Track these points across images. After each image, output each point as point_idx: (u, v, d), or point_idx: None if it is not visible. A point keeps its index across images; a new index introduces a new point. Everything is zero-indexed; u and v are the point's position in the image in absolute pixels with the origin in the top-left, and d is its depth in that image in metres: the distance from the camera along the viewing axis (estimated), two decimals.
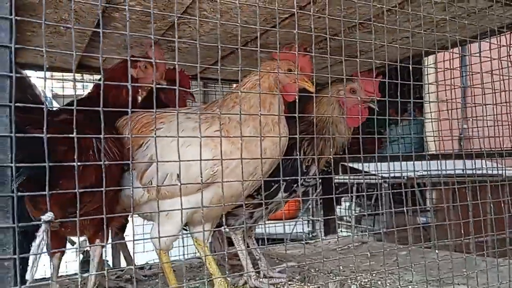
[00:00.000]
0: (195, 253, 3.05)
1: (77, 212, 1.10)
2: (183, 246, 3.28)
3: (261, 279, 2.15)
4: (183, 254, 3.23)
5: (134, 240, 1.50)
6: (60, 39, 2.06)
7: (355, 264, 2.34)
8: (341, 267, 2.35)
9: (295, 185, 2.14)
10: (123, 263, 2.75)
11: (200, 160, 1.46)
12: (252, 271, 2.14)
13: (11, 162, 0.87)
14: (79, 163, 1.12)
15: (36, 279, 1.43)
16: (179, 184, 1.31)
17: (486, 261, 2.23)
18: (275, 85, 1.91)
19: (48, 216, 0.90)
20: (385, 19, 1.85)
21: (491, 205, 2.14)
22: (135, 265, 2.35)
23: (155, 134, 1.92)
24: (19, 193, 0.87)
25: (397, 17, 1.88)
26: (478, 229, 2.17)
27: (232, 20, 1.88)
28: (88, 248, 2.62)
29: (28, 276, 0.91)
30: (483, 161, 2.35)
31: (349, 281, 2.06)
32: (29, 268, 0.92)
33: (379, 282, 2.12)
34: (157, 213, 1.91)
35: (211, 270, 1.93)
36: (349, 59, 1.82)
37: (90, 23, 1.86)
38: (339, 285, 2.04)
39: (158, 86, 1.83)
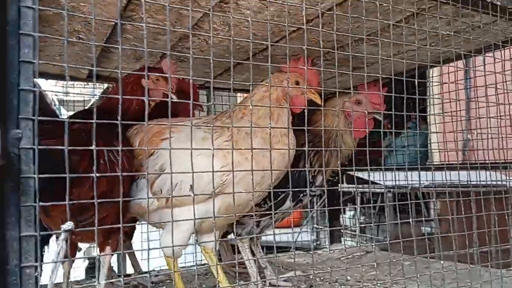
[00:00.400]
0: (200, 260, 3.08)
1: (95, 219, 1.13)
2: (184, 254, 3.30)
3: (267, 287, 2.17)
4: (184, 262, 3.25)
5: (145, 249, 1.52)
6: (72, 49, 2.11)
7: (360, 274, 2.36)
8: (347, 277, 2.37)
9: (302, 194, 2.18)
10: (128, 270, 2.78)
11: (212, 171, 1.48)
12: (259, 280, 2.16)
13: (34, 173, 0.91)
14: (97, 174, 1.15)
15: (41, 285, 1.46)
16: (192, 194, 1.33)
17: (490, 272, 2.25)
18: (283, 97, 1.95)
19: (68, 225, 0.93)
20: (391, 32, 1.88)
21: (495, 216, 2.16)
22: (148, 272, 2.39)
23: (165, 143, 1.98)
24: (41, 203, 0.91)
25: (403, 31, 1.92)
26: (482, 240, 2.19)
27: (242, 32, 1.93)
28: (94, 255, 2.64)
29: (49, 284, 0.94)
30: (487, 172, 2.37)
31: None
32: (49, 276, 0.96)
33: None
34: (165, 221, 1.96)
35: (219, 278, 1.96)
36: (356, 72, 1.86)
37: (102, 34, 1.91)
38: None
39: (172, 100, 1.87)
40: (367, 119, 2.10)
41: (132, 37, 1.96)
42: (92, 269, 3.75)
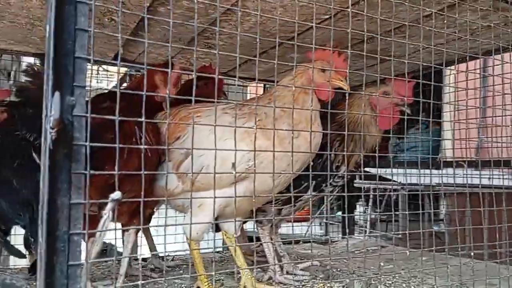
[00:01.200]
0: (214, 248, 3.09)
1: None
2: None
3: (285, 275, 2.18)
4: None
5: (162, 234, 1.53)
6: (102, 31, 2.11)
7: (377, 266, 2.36)
8: (365, 269, 2.37)
9: (324, 184, 2.18)
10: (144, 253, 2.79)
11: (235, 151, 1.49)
12: (277, 267, 2.17)
13: (86, 141, 0.91)
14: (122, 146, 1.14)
15: None
16: (234, 172, 1.34)
17: (508, 269, 2.24)
18: (308, 84, 1.95)
19: (117, 194, 0.94)
20: (421, 24, 1.87)
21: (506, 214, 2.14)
22: (165, 256, 2.40)
23: (193, 127, 1.98)
24: (91, 171, 0.92)
25: (434, 22, 1.91)
26: (493, 238, 2.18)
27: (273, 19, 1.92)
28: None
29: (92, 253, 0.95)
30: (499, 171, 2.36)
31: (373, 281, 2.08)
32: (94, 245, 0.96)
33: (403, 285, 2.14)
34: (190, 204, 1.97)
35: (239, 263, 1.97)
36: (383, 65, 1.85)
37: (135, 16, 1.91)
38: (364, 284, 2.06)
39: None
40: (392, 110, 2.10)
41: (164, 20, 1.95)
42: (103, 255, 3.77)
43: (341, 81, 1.92)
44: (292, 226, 3.20)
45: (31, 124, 1.74)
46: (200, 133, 1.84)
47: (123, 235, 1.99)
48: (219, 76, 2.48)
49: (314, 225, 4.04)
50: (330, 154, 2.15)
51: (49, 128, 0.85)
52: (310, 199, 2.25)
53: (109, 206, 0.93)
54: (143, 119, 1.08)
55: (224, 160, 1.75)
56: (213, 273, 1.49)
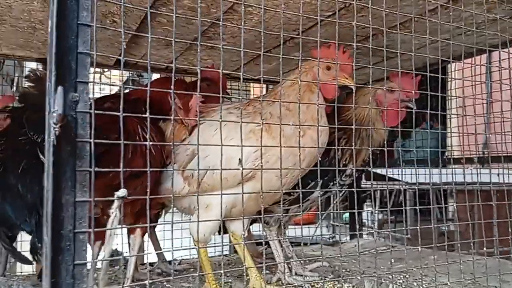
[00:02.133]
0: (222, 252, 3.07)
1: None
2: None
3: (294, 277, 2.15)
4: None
5: (169, 238, 1.49)
6: (105, 33, 2.10)
7: (387, 266, 2.32)
8: (374, 269, 2.33)
9: (331, 183, 2.15)
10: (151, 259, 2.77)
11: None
12: (286, 268, 2.14)
13: (90, 138, 0.90)
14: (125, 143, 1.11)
15: None
16: (241, 168, 1.31)
17: None
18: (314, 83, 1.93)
19: (122, 192, 0.91)
20: (426, 18, 1.85)
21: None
22: (172, 260, 2.37)
23: (198, 129, 1.97)
24: (97, 169, 0.90)
25: (439, 16, 1.88)
26: (504, 235, 2.14)
27: (276, 17, 1.91)
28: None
29: (106, 253, 0.93)
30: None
31: (384, 280, 2.04)
32: (103, 248, 0.94)
33: (415, 283, 2.10)
34: (196, 207, 1.94)
35: (247, 264, 1.94)
36: (387, 59, 1.82)
37: (136, 17, 1.90)
38: (375, 284, 2.03)
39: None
40: (399, 107, 2.08)
41: (166, 20, 1.95)
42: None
43: (347, 78, 1.90)
44: (302, 228, 3.17)
45: (38, 126, 1.73)
46: (205, 134, 1.82)
47: (128, 239, 1.97)
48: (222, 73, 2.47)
49: (321, 227, 3.99)
50: (337, 153, 2.13)
51: (53, 124, 0.83)
52: (318, 198, 2.22)
53: (116, 204, 0.91)
54: (147, 114, 1.05)
55: (230, 160, 1.73)
56: (222, 271, 1.47)
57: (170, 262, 2.54)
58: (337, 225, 4.92)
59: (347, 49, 2.03)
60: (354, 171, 2.24)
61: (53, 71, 0.86)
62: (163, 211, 2.46)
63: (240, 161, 1.53)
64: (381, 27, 1.69)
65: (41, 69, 2.11)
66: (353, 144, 1.90)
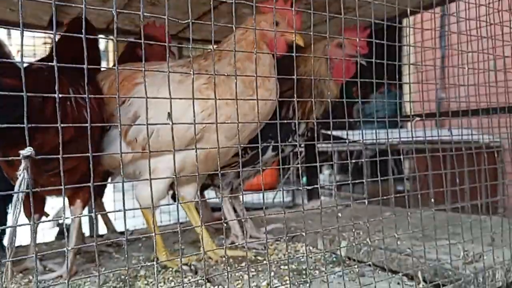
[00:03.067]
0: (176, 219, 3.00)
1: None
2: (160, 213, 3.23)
3: (248, 239, 2.12)
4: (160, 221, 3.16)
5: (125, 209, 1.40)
6: None
7: (339, 223, 2.33)
8: (329, 229, 2.34)
9: (284, 144, 2.10)
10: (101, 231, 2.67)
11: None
12: (240, 231, 2.10)
13: None
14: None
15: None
16: (170, 123, 1.22)
17: (470, 217, 2.26)
18: (262, 40, 1.84)
19: (28, 150, 0.81)
20: None
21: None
22: (126, 230, 2.28)
23: (138, 88, 1.85)
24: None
25: None
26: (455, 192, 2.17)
27: None
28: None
29: (10, 220, 0.83)
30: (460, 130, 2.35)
31: (337, 238, 2.04)
32: (11, 211, 0.84)
33: (368, 239, 2.11)
34: (141, 172, 1.85)
35: (194, 222, 1.90)
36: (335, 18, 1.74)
37: None
38: (328, 241, 2.03)
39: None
40: (348, 62, 2.03)
41: None
42: (62, 235, 3.61)
43: (295, 34, 1.81)
44: (263, 193, 3.13)
45: None
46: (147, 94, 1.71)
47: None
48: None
49: (282, 193, 4.00)
50: (288, 113, 2.07)
51: None
52: (271, 160, 2.18)
53: (22, 165, 0.80)
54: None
55: (176, 120, 1.63)
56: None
57: (122, 232, 2.45)
58: (297, 189, 4.95)
59: (296, 3, 1.94)
60: (307, 131, 2.20)
61: None
62: (109, 180, 2.35)
63: (169, 114, 1.42)
64: None
65: None
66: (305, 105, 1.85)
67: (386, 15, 2.11)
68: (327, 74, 2.09)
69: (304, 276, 1.69)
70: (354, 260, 1.85)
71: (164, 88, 1.46)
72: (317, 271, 1.78)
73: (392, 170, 4.81)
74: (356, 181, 1.64)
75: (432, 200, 1.86)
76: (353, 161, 1.74)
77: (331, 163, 5.18)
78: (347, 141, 3.81)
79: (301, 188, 1.58)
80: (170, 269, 1.78)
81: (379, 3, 1.94)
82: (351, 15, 2.14)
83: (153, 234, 1.43)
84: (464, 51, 1.98)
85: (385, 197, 1.90)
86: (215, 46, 2.13)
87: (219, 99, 1.57)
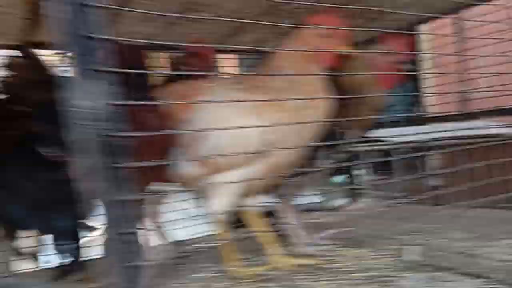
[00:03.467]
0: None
1: None
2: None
3: (310, 248, 2.17)
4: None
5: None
6: None
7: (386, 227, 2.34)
8: (380, 231, 2.37)
9: (334, 152, 2.17)
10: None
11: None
12: (302, 239, 2.16)
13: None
14: None
15: None
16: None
17: None
18: (315, 54, 1.88)
19: None
20: None
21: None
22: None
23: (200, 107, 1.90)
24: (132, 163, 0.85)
25: None
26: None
27: None
28: None
29: None
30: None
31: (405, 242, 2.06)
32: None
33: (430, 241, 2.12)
34: (210, 188, 1.88)
35: (263, 239, 1.96)
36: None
37: None
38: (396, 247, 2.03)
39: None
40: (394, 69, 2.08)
41: None
42: None
43: (345, 46, 1.86)
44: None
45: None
46: (205, 114, 1.78)
47: None
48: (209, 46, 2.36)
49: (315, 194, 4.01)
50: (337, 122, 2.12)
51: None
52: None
53: None
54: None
55: (239, 137, 1.70)
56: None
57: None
58: (333, 191, 4.95)
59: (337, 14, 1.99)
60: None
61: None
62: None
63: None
64: None
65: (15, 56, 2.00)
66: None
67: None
68: (373, 81, 2.13)
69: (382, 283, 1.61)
70: (426, 265, 1.77)
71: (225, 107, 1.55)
72: (394, 277, 1.67)
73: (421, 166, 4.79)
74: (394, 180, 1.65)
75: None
76: (400, 157, 1.76)
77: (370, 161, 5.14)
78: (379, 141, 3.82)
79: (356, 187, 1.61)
80: (242, 280, 1.80)
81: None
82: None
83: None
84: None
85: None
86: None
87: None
